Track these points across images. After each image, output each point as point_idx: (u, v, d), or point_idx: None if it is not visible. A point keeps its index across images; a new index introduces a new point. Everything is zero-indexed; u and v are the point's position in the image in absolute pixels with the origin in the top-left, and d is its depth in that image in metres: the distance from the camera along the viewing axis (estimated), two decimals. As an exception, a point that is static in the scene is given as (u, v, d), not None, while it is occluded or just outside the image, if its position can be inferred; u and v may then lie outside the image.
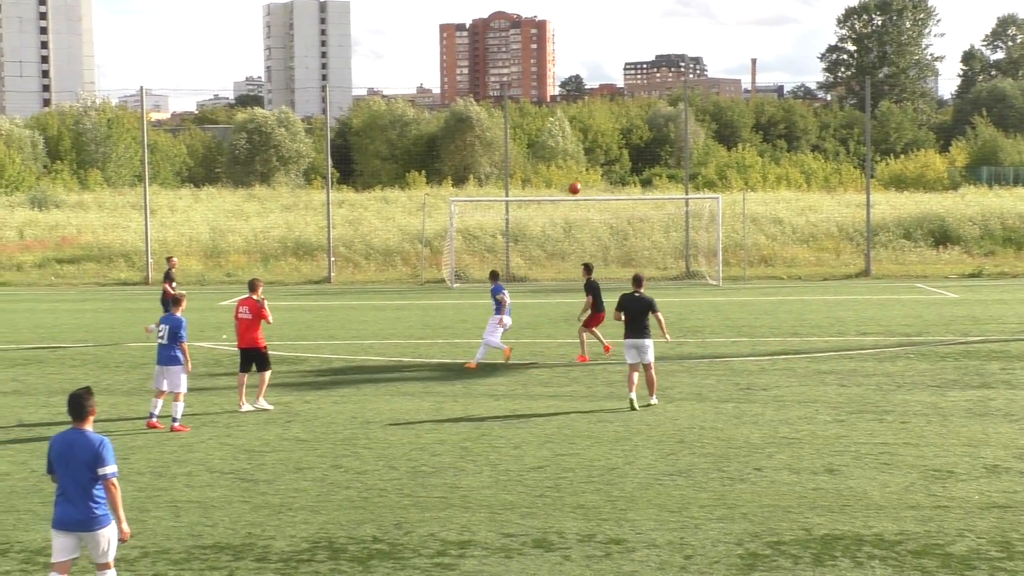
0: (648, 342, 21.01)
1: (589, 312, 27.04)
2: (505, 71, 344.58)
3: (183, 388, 19.86)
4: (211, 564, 12.43)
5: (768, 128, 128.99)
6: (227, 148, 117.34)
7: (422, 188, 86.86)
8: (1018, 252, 55.41)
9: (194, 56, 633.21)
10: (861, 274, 50.86)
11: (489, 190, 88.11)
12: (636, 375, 20.88)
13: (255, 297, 22.02)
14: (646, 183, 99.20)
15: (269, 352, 22.09)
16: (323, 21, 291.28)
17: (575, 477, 15.90)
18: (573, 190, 45.88)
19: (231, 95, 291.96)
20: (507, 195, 57.54)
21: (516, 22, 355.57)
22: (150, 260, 51.85)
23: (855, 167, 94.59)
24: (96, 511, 10.38)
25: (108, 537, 10.48)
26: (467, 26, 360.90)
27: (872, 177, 62.42)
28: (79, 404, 10.49)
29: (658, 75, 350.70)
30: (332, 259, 52.39)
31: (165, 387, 19.85)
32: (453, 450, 17.64)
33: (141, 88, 55.79)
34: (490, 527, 13.63)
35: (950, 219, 58.97)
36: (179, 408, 19.67)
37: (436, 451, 17.55)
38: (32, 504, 14.82)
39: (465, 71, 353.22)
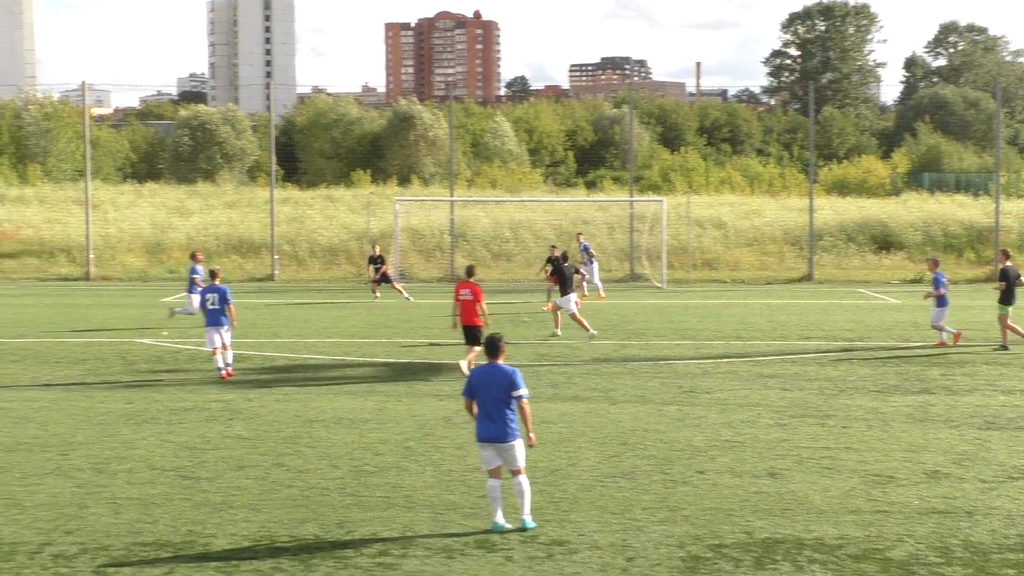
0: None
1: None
2: (451, 71, 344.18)
3: (229, 341, 24.60)
4: (150, 561, 12.33)
5: (712, 131, 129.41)
6: (170, 144, 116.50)
7: (367, 187, 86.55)
8: (959, 258, 55.97)
9: (137, 52, 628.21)
10: (804, 278, 51.22)
11: (434, 190, 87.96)
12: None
13: (473, 280, 25.23)
14: (591, 185, 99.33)
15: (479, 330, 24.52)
16: (267, 19, 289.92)
17: (518, 477, 15.88)
18: None
19: (175, 91, 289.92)
20: (452, 195, 57.48)
21: (462, 22, 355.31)
22: (91, 255, 51.38)
23: (799, 171, 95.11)
24: (510, 426, 13.34)
25: (519, 447, 13.42)
26: (412, 25, 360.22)
27: (815, 182, 62.82)
28: (496, 344, 13.57)
29: (603, 77, 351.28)
30: (276, 257, 52.16)
31: (218, 343, 24.27)
32: (396, 450, 17.59)
33: (83, 83, 55.33)
34: (432, 527, 13.61)
35: (892, 224, 59.45)
36: (230, 355, 24.62)
37: (379, 451, 17.51)
38: None
39: (411, 70, 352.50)
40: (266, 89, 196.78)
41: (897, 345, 29.84)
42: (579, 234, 45.40)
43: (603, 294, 42.51)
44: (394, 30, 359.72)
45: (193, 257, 33.82)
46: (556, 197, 75.66)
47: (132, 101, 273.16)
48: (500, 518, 13.47)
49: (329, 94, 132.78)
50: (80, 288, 46.81)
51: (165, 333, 31.96)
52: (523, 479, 13.53)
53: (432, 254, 54.76)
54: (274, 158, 57.48)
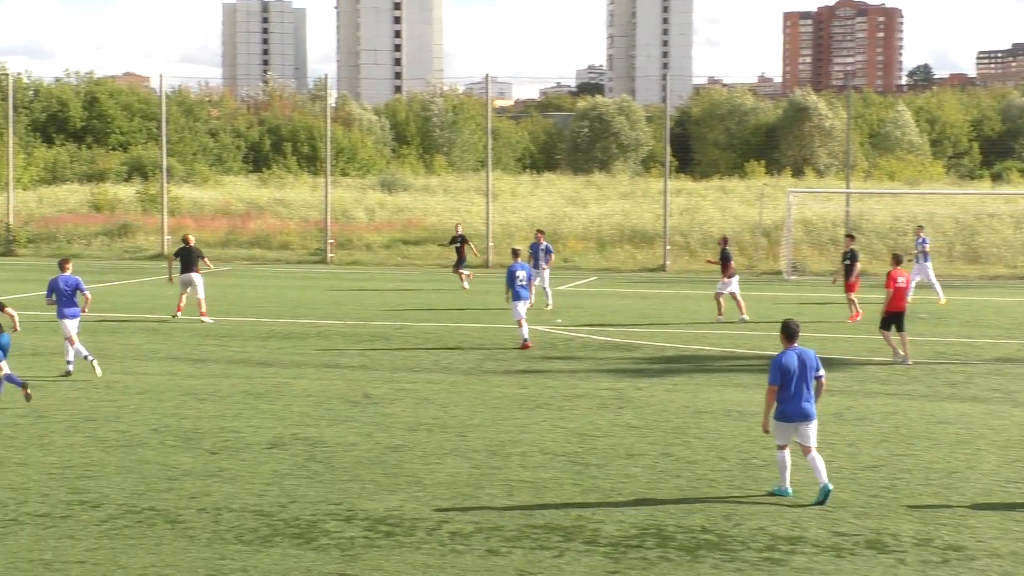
0: None
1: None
2: (849, 60, 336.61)
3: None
4: (542, 544, 12.63)
5: None
6: (568, 135, 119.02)
7: (760, 178, 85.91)
8: None
9: (538, 44, 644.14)
10: None
11: (829, 181, 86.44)
12: None
13: (903, 267, 26.18)
14: (996, 177, 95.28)
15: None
16: (665, 10, 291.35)
17: (912, 479, 15.42)
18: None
19: (573, 83, 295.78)
20: (848, 186, 56.23)
21: (863, 10, 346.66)
22: (490, 243, 53.11)
23: None
24: (814, 405, 14.37)
25: (816, 425, 14.43)
26: (812, 14, 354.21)
27: None
28: (795, 330, 14.43)
29: (1014, 64, 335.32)
30: (668, 247, 52.45)
31: (523, 313, 27.23)
32: (785, 444, 17.36)
33: (487, 76, 57.24)
34: (821, 524, 13.37)
35: None
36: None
37: (767, 444, 17.31)
38: (375, 475, 15.40)
39: (808, 60, 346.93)
40: (662, 80, 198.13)
41: None
42: (920, 227, 41.89)
43: (943, 298, 37.76)
44: (792, 19, 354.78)
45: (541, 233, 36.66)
46: (958, 189, 72.82)
47: (532, 93, 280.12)
48: (787, 484, 14.45)
49: (724, 85, 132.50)
50: (479, 275, 48.46)
51: (559, 320, 32.67)
52: (816, 453, 14.35)
53: (825, 247, 53.73)
54: (668, 149, 57.82)
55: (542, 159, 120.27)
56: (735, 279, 33.11)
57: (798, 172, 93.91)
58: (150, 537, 12.70)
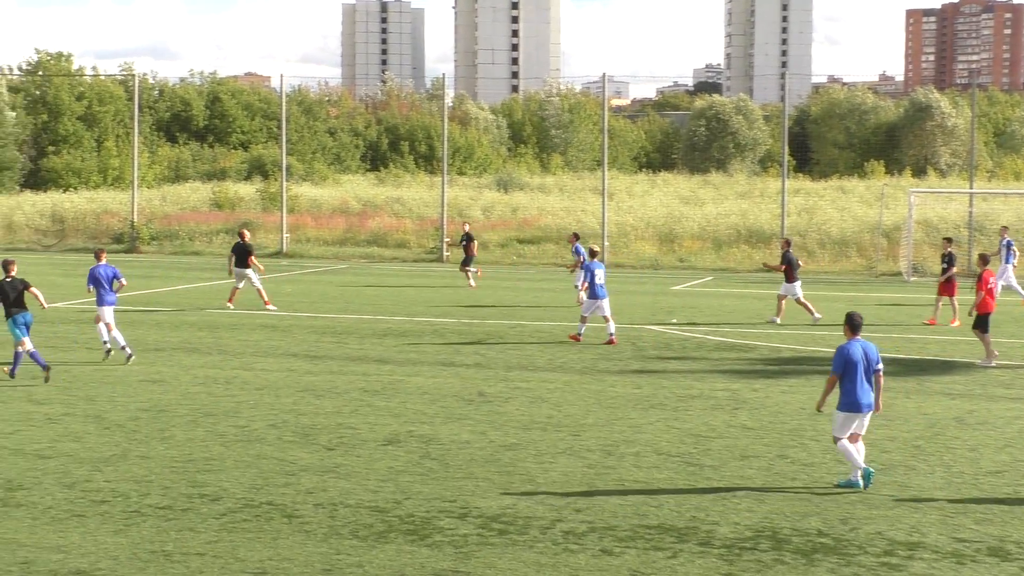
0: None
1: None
2: (974, 57, 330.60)
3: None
4: (655, 544, 12.59)
5: None
6: (685, 135, 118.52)
7: (881, 178, 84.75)
8: None
9: (655, 43, 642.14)
10: None
11: (951, 181, 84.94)
12: None
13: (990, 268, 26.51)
14: None
15: None
16: (784, 7, 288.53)
17: (1036, 485, 15.12)
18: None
19: (690, 82, 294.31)
20: (971, 187, 55.22)
21: (989, 6, 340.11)
22: (606, 243, 53.02)
23: None
24: (873, 396, 14.79)
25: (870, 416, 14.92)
26: (936, 11, 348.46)
27: None
28: (858, 322, 14.85)
29: None
30: (785, 248, 51.87)
31: (603, 312, 27.82)
32: (904, 448, 17.13)
33: (603, 75, 57.15)
34: (941, 530, 13.15)
35: None
36: (612, 325, 27.82)
37: (886, 448, 17.10)
38: (489, 472, 15.46)
39: (931, 58, 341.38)
40: (780, 79, 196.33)
41: None
42: (1004, 228, 41.54)
43: None
44: (916, 16, 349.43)
45: (576, 237, 37.35)
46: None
47: (649, 92, 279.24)
48: (859, 476, 14.76)
49: (844, 83, 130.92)
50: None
51: (674, 320, 32.52)
52: (861, 442, 15.00)
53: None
54: (786, 148, 57.27)
55: (658, 158, 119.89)
56: (798, 283, 32.75)
57: (919, 172, 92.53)
58: (267, 531, 12.88)
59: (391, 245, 58.27)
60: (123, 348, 23.99)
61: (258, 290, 33.80)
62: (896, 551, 12.42)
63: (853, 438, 14.84)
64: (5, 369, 21.99)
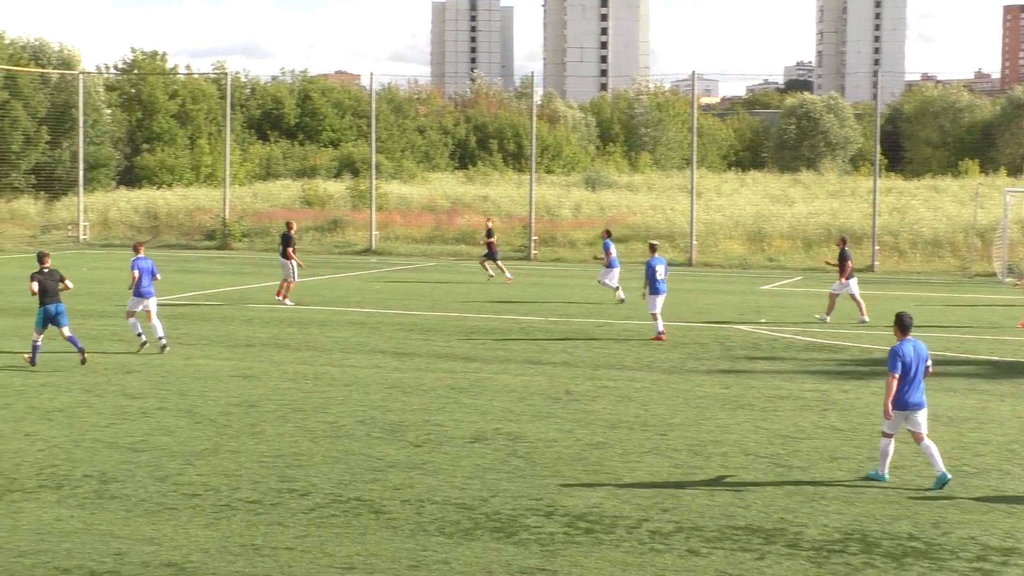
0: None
1: None
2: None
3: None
4: (742, 545, 12.51)
5: None
6: (775, 133, 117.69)
7: (975, 177, 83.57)
8: None
9: (746, 41, 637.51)
10: None
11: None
12: None
13: None
14: None
15: None
16: (877, 5, 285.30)
17: None
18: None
19: (781, 80, 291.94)
20: (1068, 186, 54.26)
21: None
22: (694, 242, 52.77)
23: None
24: (924, 394, 15.15)
25: (926, 413, 15.17)
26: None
27: None
28: (908, 323, 15.19)
29: None
30: (876, 247, 51.39)
31: (660, 307, 28.13)
32: (998, 452, 16.88)
33: (693, 73, 57.00)
34: (1035, 536, 12.95)
35: None
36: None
37: (979, 451, 16.86)
38: (576, 471, 15.46)
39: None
40: (873, 77, 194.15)
41: None
42: None
43: None
44: (1013, 12, 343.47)
45: (608, 234, 38.39)
46: None
47: (739, 90, 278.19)
48: (886, 471, 15.13)
49: (938, 81, 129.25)
50: (682, 274, 48.17)
51: (763, 320, 32.30)
52: (929, 440, 14.99)
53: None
54: (878, 147, 56.65)
55: (748, 157, 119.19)
56: (854, 280, 32.52)
57: (1015, 171, 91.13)
58: (355, 527, 12.97)
59: (479, 243, 58.40)
60: (160, 339, 24.62)
61: (284, 281, 34.51)
62: (989, 556, 12.23)
63: (918, 437, 14.97)
64: (26, 357, 22.87)
